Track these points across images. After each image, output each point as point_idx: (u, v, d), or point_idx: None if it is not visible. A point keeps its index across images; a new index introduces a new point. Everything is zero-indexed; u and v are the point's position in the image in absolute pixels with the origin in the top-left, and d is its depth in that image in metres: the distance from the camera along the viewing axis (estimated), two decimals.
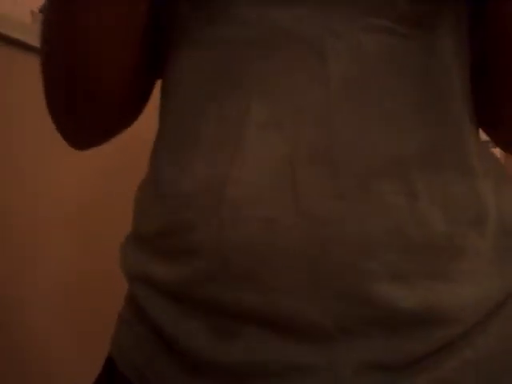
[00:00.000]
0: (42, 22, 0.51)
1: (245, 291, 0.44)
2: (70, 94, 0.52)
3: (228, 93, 0.46)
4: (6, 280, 1.13)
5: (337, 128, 0.44)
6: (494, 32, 0.48)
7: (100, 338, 1.25)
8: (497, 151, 0.65)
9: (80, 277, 1.31)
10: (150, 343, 0.51)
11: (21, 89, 1.16)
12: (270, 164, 0.44)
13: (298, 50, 0.45)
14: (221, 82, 0.47)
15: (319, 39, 0.44)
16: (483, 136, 0.54)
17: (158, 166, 0.51)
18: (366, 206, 0.43)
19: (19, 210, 1.17)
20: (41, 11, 0.52)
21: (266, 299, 0.44)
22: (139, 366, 0.51)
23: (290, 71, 0.45)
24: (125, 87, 0.53)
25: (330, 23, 0.45)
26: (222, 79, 0.47)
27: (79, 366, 1.26)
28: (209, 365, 0.47)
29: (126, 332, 0.54)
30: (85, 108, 0.53)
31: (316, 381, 0.44)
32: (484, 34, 0.49)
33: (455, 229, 0.45)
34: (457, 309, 0.45)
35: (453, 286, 0.45)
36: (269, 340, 0.45)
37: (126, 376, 0.52)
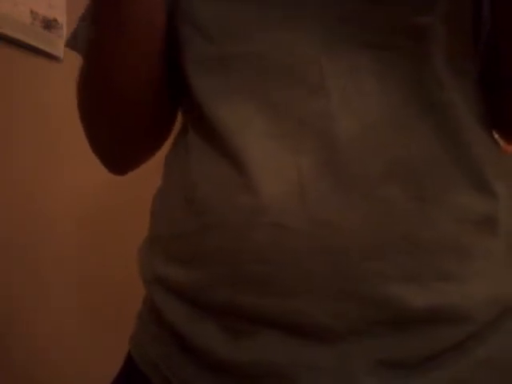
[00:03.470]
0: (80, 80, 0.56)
1: (259, 295, 0.46)
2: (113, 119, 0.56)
3: (231, 105, 0.48)
4: (10, 284, 1.13)
5: (339, 137, 0.46)
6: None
7: (107, 338, 1.26)
8: None
9: (86, 280, 1.32)
10: (166, 342, 0.52)
11: (21, 89, 1.16)
12: (275, 173, 0.46)
13: (297, 66, 0.47)
14: (226, 95, 0.49)
15: (318, 57, 0.47)
16: None
17: (178, 173, 0.53)
18: (375, 211, 0.45)
19: (26, 214, 1.17)
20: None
21: (279, 303, 0.46)
22: (156, 364, 0.53)
23: (290, 85, 0.47)
24: (153, 105, 0.56)
25: (329, 41, 0.47)
26: (228, 93, 0.49)
27: (91, 364, 1.27)
28: (223, 364, 0.48)
29: (144, 332, 0.56)
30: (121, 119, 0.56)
31: (330, 380, 0.45)
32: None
33: (463, 229, 0.47)
34: (467, 308, 0.46)
35: (463, 286, 0.46)
36: (283, 341, 0.46)
37: (145, 373, 0.53)
